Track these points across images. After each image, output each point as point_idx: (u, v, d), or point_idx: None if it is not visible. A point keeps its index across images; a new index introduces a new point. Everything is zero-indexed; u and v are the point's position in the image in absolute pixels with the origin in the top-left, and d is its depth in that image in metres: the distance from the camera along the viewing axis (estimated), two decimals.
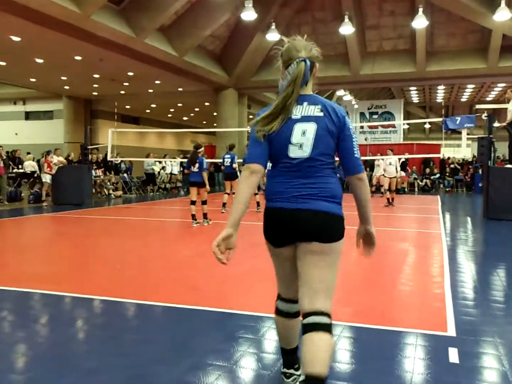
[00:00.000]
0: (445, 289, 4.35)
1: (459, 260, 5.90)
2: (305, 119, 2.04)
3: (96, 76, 18.29)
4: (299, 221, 2.02)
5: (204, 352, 2.88)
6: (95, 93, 22.51)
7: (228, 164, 11.10)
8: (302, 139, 2.03)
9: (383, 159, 13.71)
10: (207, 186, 8.77)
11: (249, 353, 2.88)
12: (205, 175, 8.71)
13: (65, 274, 5.01)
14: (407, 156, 17.27)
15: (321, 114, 2.04)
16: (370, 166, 18.54)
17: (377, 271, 5.22)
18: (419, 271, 5.33)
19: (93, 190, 15.15)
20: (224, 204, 11.02)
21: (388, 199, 13.02)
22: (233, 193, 11.01)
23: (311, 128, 2.02)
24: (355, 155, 2.10)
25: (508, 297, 4.26)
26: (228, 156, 11.19)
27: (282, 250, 2.13)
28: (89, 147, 14.65)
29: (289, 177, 2.06)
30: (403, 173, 17.14)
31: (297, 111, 2.06)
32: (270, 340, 3.10)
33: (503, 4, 13.80)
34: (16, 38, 12.67)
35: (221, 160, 11.83)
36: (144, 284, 4.54)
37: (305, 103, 2.08)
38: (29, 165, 15.58)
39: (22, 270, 5.15)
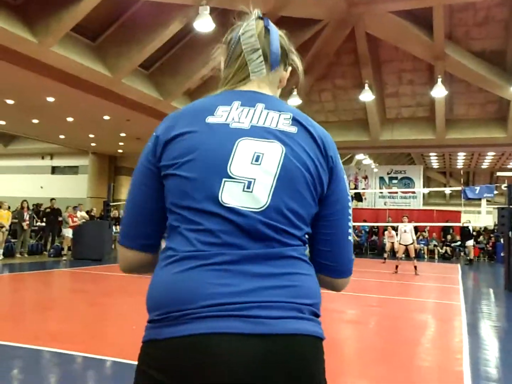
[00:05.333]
0: (464, 367, 4.24)
1: (480, 335, 5.74)
2: (260, 133, 1.02)
3: (123, 134, 18.94)
4: (285, 370, 0.89)
5: None
6: (120, 151, 23.20)
7: None
8: (254, 171, 0.98)
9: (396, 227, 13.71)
10: None
11: None
12: None
13: (81, 333, 5.03)
14: (427, 224, 17.15)
15: (293, 129, 1.04)
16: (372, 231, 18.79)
17: (395, 344, 5.12)
18: (438, 346, 5.20)
19: (113, 246, 15.31)
20: None
21: (396, 266, 12.93)
22: None
23: (273, 151, 1.00)
24: (343, 240, 1.08)
25: None
26: None
27: None
28: (112, 203, 14.95)
29: (222, 258, 0.94)
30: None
31: (241, 116, 1.04)
32: None
33: None
34: (50, 99, 13.32)
35: None
36: None
37: (259, 105, 1.07)
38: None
39: (38, 328, 5.19)
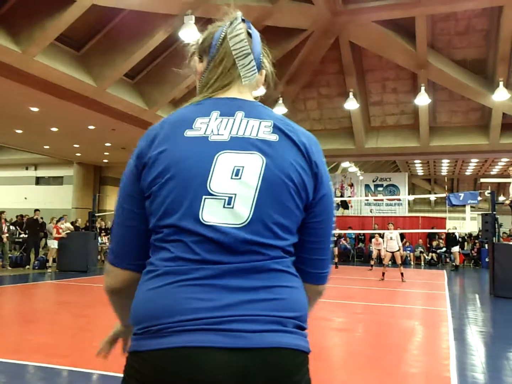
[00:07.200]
0: (452, 372, 4.25)
1: (466, 341, 5.78)
2: (240, 144, 1.00)
3: (108, 144, 18.83)
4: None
5: None
6: (105, 160, 23.06)
7: None
8: (234, 186, 0.97)
9: (383, 234, 13.80)
10: None
11: None
12: None
13: (66, 346, 4.95)
14: (413, 230, 17.32)
15: (274, 137, 1.02)
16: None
17: (382, 350, 5.12)
18: (425, 352, 5.22)
19: (99, 257, 15.14)
20: None
21: (383, 273, 13.01)
22: None
23: (253, 164, 0.98)
24: (327, 248, 1.09)
25: None
26: None
27: None
28: (97, 214, 14.82)
29: (201, 273, 0.93)
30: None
31: (220, 127, 1.02)
32: None
33: (501, 85, 14.37)
34: (34, 109, 13.21)
35: None
36: None
37: (239, 114, 1.05)
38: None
39: (22, 341, 5.10)
